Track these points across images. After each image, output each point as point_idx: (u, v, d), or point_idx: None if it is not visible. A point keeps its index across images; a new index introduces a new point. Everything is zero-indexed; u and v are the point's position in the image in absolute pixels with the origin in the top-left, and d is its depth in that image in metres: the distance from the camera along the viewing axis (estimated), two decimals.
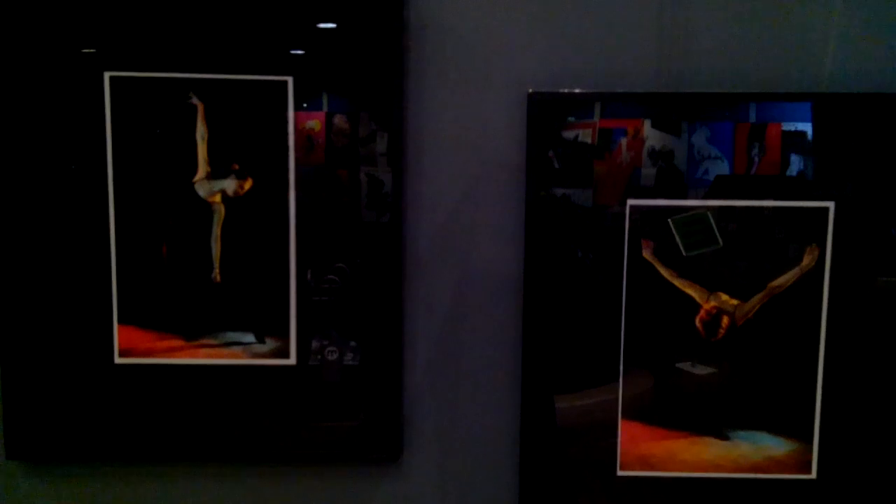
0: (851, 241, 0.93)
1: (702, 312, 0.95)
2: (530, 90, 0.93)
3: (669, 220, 0.93)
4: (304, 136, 0.94)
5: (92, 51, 0.93)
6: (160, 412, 0.99)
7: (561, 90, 0.94)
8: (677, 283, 0.95)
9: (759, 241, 0.94)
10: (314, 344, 0.97)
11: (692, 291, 0.95)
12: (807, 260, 0.94)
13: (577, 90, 0.94)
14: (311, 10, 0.93)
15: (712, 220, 0.93)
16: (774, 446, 0.97)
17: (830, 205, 0.93)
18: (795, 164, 0.92)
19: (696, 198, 0.93)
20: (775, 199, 0.93)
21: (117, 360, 0.98)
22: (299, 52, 0.93)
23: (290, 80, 0.93)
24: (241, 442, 1.00)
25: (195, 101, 0.94)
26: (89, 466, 1.02)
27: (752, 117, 0.92)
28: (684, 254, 0.93)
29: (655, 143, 0.92)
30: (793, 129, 0.92)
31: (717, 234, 0.93)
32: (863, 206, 0.93)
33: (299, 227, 0.95)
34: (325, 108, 0.94)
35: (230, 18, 0.93)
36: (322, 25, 0.93)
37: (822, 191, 0.93)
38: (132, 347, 0.98)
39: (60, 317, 0.97)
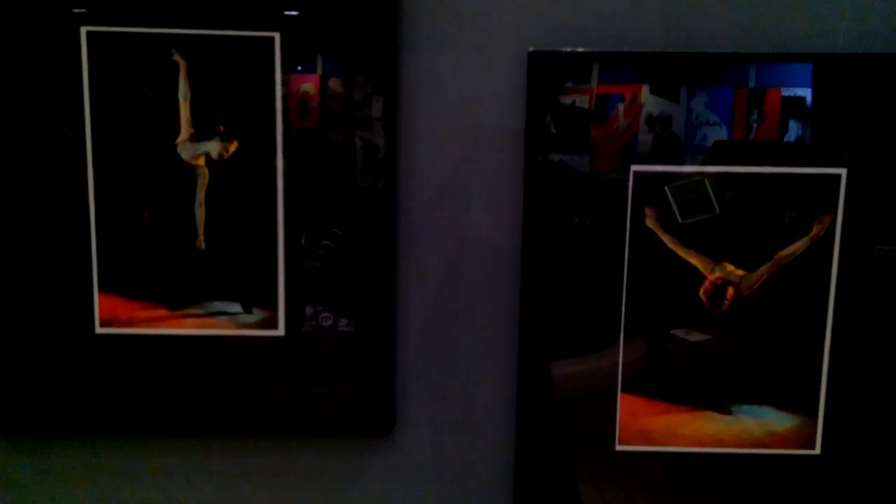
0: (862, 210, 0.90)
1: (706, 283, 0.92)
2: (531, 48, 0.90)
3: (666, 187, 0.91)
4: (298, 99, 0.91)
5: (68, 4, 0.88)
6: (143, 384, 0.96)
7: (563, 49, 0.90)
8: (681, 252, 0.92)
9: (766, 209, 0.91)
10: (308, 310, 0.95)
11: (696, 261, 0.92)
12: (816, 229, 0.91)
13: (579, 49, 0.90)
14: None
15: (709, 188, 0.91)
16: (778, 421, 0.95)
17: (843, 171, 0.89)
18: (794, 130, 0.90)
19: (694, 164, 0.91)
20: (775, 165, 0.90)
21: (98, 330, 0.95)
22: (293, 12, 0.89)
23: (276, 36, 0.89)
24: (229, 414, 0.97)
25: (177, 58, 0.89)
26: (70, 439, 1.00)
27: (752, 82, 0.90)
28: (680, 220, 0.91)
29: (653, 109, 0.90)
30: (793, 94, 0.90)
31: (714, 202, 0.91)
32: (874, 172, 0.90)
33: (289, 193, 0.92)
34: (319, 71, 0.91)
35: None
36: None
37: (824, 157, 0.90)
38: (114, 317, 0.94)
39: (38, 285, 0.94)
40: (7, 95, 0.90)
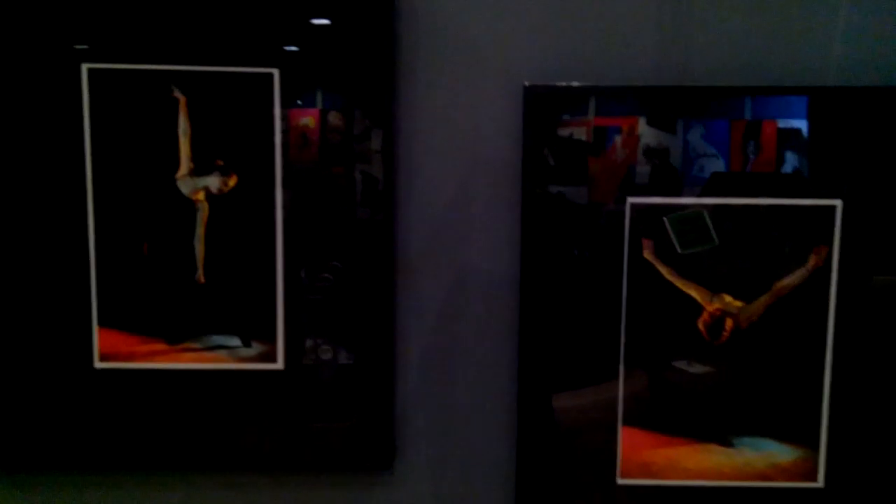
0: (859, 241, 0.90)
1: (704, 315, 0.92)
2: (526, 83, 0.90)
3: (665, 218, 0.91)
4: (298, 133, 0.91)
5: (69, 42, 0.89)
6: (142, 419, 0.96)
7: (558, 83, 0.91)
8: (679, 283, 0.92)
9: (763, 241, 0.91)
10: (308, 343, 0.94)
11: (694, 292, 0.92)
12: (813, 260, 0.91)
13: (574, 83, 0.91)
14: (305, 6, 0.90)
15: (708, 219, 0.91)
16: (780, 453, 0.94)
17: (838, 203, 0.90)
18: (791, 161, 0.91)
19: (692, 195, 0.91)
20: (772, 196, 0.90)
21: (97, 364, 0.94)
22: (293, 48, 0.90)
23: (276, 72, 0.90)
24: (229, 449, 0.97)
25: (177, 94, 0.90)
26: (69, 475, 0.99)
27: (748, 114, 0.91)
28: (679, 251, 0.91)
29: (650, 141, 0.91)
30: (789, 126, 0.90)
31: (713, 233, 0.91)
32: (871, 203, 0.90)
33: (289, 225, 0.92)
34: (319, 105, 0.92)
35: (222, 14, 0.90)
36: (316, 21, 0.90)
37: (821, 188, 0.90)
38: (113, 351, 0.94)
39: (38, 319, 0.94)
40: (8, 130, 0.90)
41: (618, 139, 0.91)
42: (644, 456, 0.95)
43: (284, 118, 0.91)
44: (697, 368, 0.94)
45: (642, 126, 0.91)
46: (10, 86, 0.90)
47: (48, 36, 0.89)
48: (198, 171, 0.92)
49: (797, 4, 0.91)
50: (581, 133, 0.92)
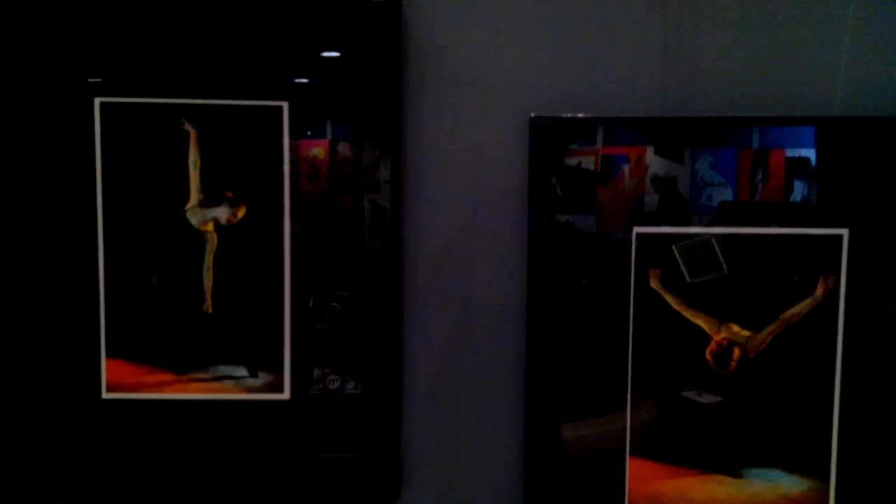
0: (866, 270, 0.90)
1: (712, 344, 0.92)
2: (532, 114, 0.91)
3: (674, 246, 0.91)
4: (308, 164, 0.92)
5: (82, 76, 0.91)
6: (149, 449, 0.95)
7: (564, 115, 0.91)
8: (686, 313, 0.92)
9: (770, 270, 0.91)
10: (315, 373, 0.94)
11: (702, 322, 0.92)
12: (821, 289, 0.91)
13: (580, 115, 0.91)
14: (315, 39, 0.91)
15: (717, 247, 0.91)
16: (789, 485, 0.93)
17: (844, 232, 0.90)
18: (799, 190, 0.91)
19: (700, 224, 0.92)
20: (781, 225, 0.91)
21: (105, 395, 0.94)
22: (303, 80, 0.91)
23: (285, 105, 0.91)
24: (235, 480, 0.96)
25: (188, 127, 0.91)
26: None
27: (756, 143, 0.91)
28: (689, 280, 0.91)
29: (658, 170, 0.91)
30: (797, 155, 0.91)
31: (722, 261, 0.91)
32: (879, 231, 0.90)
33: (297, 256, 0.93)
34: (328, 136, 0.93)
35: (233, 48, 0.91)
36: (326, 54, 0.91)
37: (830, 217, 0.91)
38: (120, 382, 0.94)
39: (45, 349, 0.94)
40: (19, 162, 0.92)
41: (626, 168, 0.92)
42: (652, 487, 0.94)
43: (294, 149, 0.92)
44: (707, 398, 0.93)
45: (650, 155, 0.91)
46: (24, 119, 0.91)
47: (62, 71, 0.90)
48: (207, 202, 0.93)
49: (802, 36, 0.92)
50: (589, 162, 0.92)
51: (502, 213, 0.95)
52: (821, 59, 0.93)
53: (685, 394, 0.93)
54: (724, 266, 0.91)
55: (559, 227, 0.92)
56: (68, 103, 0.91)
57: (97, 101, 0.91)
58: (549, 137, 0.92)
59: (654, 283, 0.92)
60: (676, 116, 0.92)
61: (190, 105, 0.91)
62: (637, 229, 0.91)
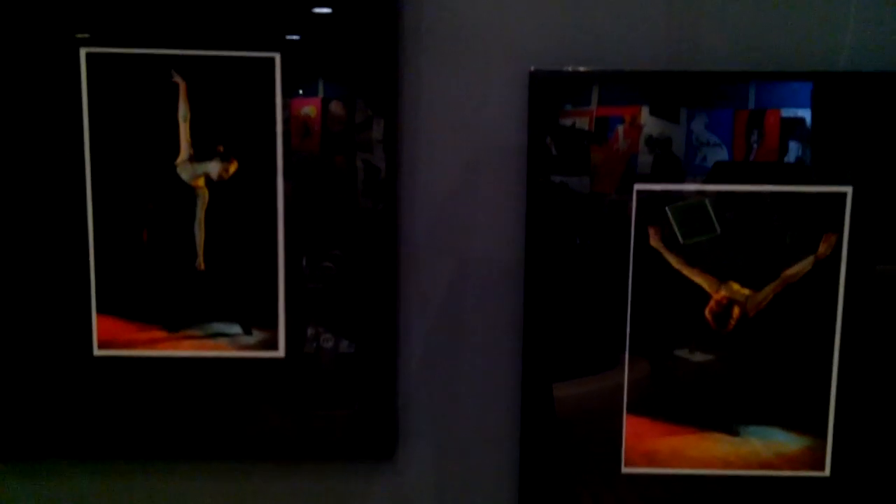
0: (869, 228, 0.89)
1: (712, 303, 0.91)
2: (532, 68, 0.89)
3: (667, 207, 0.90)
4: (300, 122, 0.90)
5: (67, 26, 0.88)
6: (142, 407, 0.95)
7: (564, 69, 0.89)
8: (686, 271, 0.91)
9: (772, 229, 0.90)
10: (309, 331, 0.94)
11: (702, 280, 0.91)
12: (822, 248, 0.90)
13: (580, 68, 0.89)
14: None
15: (710, 208, 0.90)
16: (787, 442, 0.93)
17: (848, 189, 0.89)
18: (794, 150, 0.90)
19: (695, 184, 0.90)
20: (776, 184, 0.89)
21: (96, 352, 0.93)
22: (294, 36, 0.89)
23: (277, 56, 0.88)
24: (229, 438, 0.96)
25: (177, 79, 0.89)
26: (67, 463, 0.98)
27: (752, 103, 0.90)
28: (681, 241, 0.90)
29: (653, 131, 0.90)
30: (792, 115, 0.89)
31: (716, 222, 0.90)
32: (876, 191, 0.89)
33: (289, 214, 0.91)
34: (320, 94, 0.90)
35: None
36: (317, 10, 0.89)
37: (824, 177, 0.89)
38: (112, 339, 0.93)
39: (36, 307, 0.92)
40: (6, 116, 0.89)
41: (620, 129, 0.90)
42: (649, 444, 0.94)
43: (286, 107, 0.90)
44: (699, 357, 0.93)
45: (645, 116, 0.90)
46: (9, 71, 0.88)
47: (46, 20, 0.88)
48: (198, 156, 0.91)
49: None
50: (583, 123, 0.90)
51: (499, 173, 0.93)
52: (827, 14, 0.90)
53: (677, 352, 0.93)
54: (718, 227, 0.90)
55: (554, 188, 0.91)
56: (53, 54, 0.88)
57: (83, 52, 0.88)
58: (547, 93, 0.90)
59: (654, 242, 0.91)
60: (677, 70, 0.90)
61: (179, 56, 0.89)
62: (637, 186, 0.90)
